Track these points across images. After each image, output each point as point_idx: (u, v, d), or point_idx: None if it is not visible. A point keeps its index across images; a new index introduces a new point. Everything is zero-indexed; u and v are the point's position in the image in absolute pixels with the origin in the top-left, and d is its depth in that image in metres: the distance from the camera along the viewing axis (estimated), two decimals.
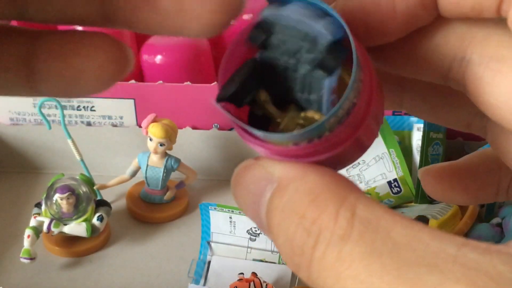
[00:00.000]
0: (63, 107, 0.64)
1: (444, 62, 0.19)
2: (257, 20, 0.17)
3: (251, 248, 0.58)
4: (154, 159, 0.63)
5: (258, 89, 0.17)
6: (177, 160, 0.64)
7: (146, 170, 0.64)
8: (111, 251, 0.61)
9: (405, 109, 0.23)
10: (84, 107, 0.67)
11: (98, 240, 0.60)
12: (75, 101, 0.67)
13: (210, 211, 0.57)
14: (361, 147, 0.18)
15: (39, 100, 0.63)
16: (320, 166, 0.16)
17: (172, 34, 0.15)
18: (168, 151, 0.63)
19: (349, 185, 0.15)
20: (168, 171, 0.64)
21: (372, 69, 0.17)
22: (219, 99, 0.16)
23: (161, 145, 0.62)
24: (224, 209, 0.56)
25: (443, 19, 0.19)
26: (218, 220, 0.57)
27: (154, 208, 0.65)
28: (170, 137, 0.62)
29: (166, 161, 0.63)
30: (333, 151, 0.16)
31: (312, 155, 0.16)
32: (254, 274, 0.53)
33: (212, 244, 0.58)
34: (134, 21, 0.15)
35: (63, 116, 0.62)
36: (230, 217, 0.57)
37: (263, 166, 0.15)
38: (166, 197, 0.65)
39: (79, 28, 0.18)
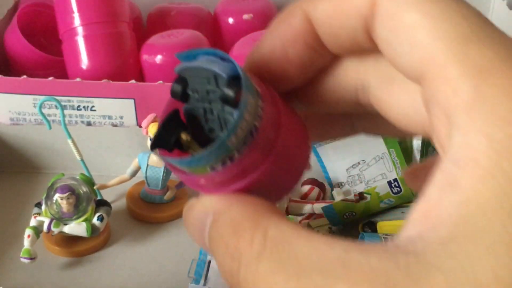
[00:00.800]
0: (63, 107, 0.64)
1: (351, 93, 0.21)
2: (174, 77, 0.20)
3: None
4: (155, 159, 0.63)
5: (179, 132, 0.19)
6: None
7: (146, 170, 0.64)
8: (111, 251, 0.61)
9: (359, 131, 0.25)
10: (84, 107, 0.67)
11: (98, 240, 0.60)
12: (75, 101, 0.67)
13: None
14: (290, 174, 0.20)
15: (39, 100, 0.63)
16: (245, 195, 0.18)
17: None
18: None
19: (266, 210, 0.17)
20: (168, 171, 0.64)
21: (279, 102, 0.19)
22: (152, 147, 0.19)
23: None
24: None
25: (338, 57, 0.21)
26: None
27: (154, 208, 0.65)
28: None
29: None
30: (253, 176, 0.18)
31: (234, 180, 0.18)
32: None
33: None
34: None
35: (63, 116, 0.62)
36: None
37: (202, 203, 0.18)
38: (166, 197, 0.65)
39: None
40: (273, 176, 0.19)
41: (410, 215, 0.15)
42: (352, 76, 0.21)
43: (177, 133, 0.19)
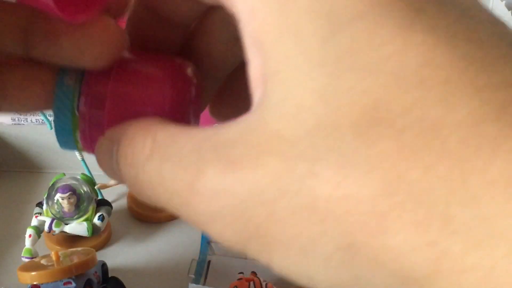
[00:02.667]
0: None
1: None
2: None
3: None
4: None
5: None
6: None
7: None
8: (112, 250, 0.61)
9: None
10: None
11: (99, 240, 0.61)
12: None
13: None
14: (143, 94, 0.21)
15: None
16: (139, 120, 0.20)
17: (72, 63, 0.20)
18: None
19: (158, 121, 0.19)
20: None
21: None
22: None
23: None
24: None
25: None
26: None
27: (155, 208, 0.65)
28: None
29: None
30: (108, 103, 0.20)
31: (100, 108, 0.20)
32: (253, 273, 0.53)
33: (213, 244, 0.58)
34: (46, 55, 0.20)
35: None
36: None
37: (106, 137, 0.21)
38: None
39: None
40: (126, 100, 0.20)
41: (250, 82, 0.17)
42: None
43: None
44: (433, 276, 0.13)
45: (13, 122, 0.69)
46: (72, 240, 0.60)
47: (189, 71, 0.21)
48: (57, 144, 0.23)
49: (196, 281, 0.56)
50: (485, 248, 0.13)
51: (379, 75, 0.14)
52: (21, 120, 0.69)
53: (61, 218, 0.58)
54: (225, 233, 0.16)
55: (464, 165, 0.13)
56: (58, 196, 0.58)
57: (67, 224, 0.58)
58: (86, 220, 0.59)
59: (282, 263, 0.15)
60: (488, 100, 0.13)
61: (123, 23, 0.22)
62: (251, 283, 0.51)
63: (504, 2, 0.80)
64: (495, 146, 0.13)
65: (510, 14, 0.77)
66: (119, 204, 0.66)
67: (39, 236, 0.58)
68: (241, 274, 0.53)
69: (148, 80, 0.21)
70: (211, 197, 0.16)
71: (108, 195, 0.65)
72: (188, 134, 0.17)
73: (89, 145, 0.22)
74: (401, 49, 0.14)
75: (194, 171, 0.16)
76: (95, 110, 0.21)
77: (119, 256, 0.61)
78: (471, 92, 0.14)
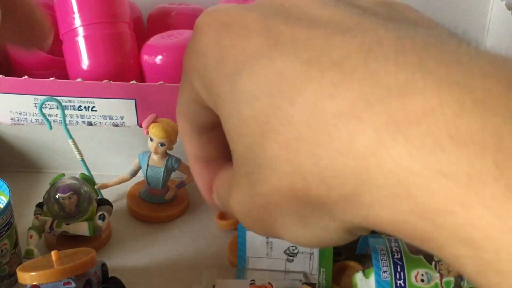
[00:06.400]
0: (64, 107, 0.64)
1: None
2: None
3: (288, 271, 0.55)
4: (155, 159, 0.64)
5: None
6: (178, 160, 0.64)
7: (147, 170, 0.64)
8: (112, 250, 0.61)
9: None
10: (85, 107, 0.67)
11: (99, 239, 0.61)
12: (76, 101, 0.67)
13: (247, 232, 0.55)
14: None
15: (40, 100, 0.64)
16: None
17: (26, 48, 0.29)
18: (168, 151, 0.64)
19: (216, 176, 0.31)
20: (168, 171, 0.64)
21: None
22: None
23: (161, 145, 0.62)
24: None
25: None
26: (255, 241, 0.56)
27: (154, 208, 0.65)
28: (170, 137, 0.62)
29: (167, 161, 0.64)
30: None
31: None
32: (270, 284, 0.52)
33: (248, 272, 0.56)
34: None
35: (64, 116, 0.62)
36: (267, 237, 0.55)
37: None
38: (167, 197, 0.65)
39: None
40: None
41: None
42: None
43: None
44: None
45: (13, 122, 0.69)
46: (72, 240, 0.60)
47: None
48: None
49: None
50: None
51: None
52: (21, 120, 0.69)
53: (61, 218, 0.58)
54: (250, 227, 0.26)
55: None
56: (58, 196, 0.58)
57: (68, 224, 0.58)
58: (87, 219, 0.59)
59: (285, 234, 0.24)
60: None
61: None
62: None
63: (504, 2, 0.80)
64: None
65: (510, 14, 0.77)
66: (119, 204, 0.66)
67: (40, 237, 0.58)
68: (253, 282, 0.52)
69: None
70: (236, 208, 0.25)
71: (108, 195, 0.65)
72: (222, 177, 0.28)
73: None
74: None
75: (228, 195, 0.26)
76: None
77: (119, 256, 0.61)
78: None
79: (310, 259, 0.55)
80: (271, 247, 0.56)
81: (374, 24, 0.21)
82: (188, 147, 0.29)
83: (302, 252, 0.55)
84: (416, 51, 0.19)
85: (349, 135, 0.19)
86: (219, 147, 0.29)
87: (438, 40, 0.20)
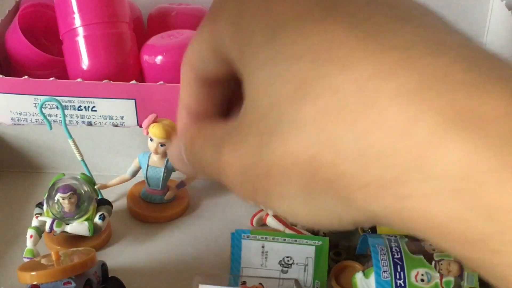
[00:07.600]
0: (64, 107, 0.64)
1: None
2: None
3: (283, 278, 0.55)
4: (155, 159, 0.64)
5: None
6: None
7: (147, 170, 0.64)
8: (112, 250, 0.61)
9: None
10: (85, 107, 0.67)
11: (99, 239, 0.61)
12: (76, 101, 0.67)
13: (242, 241, 0.55)
14: None
15: (40, 100, 0.64)
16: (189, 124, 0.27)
17: None
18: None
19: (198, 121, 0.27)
20: (168, 171, 0.64)
21: None
22: None
23: (161, 145, 0.62)
24: (258, 236, 0.55)
25: None
26: (250, 250, 0.55)
27: (154, 208, 0.66)
28: (170, 137, 0.62)
29: (167, 161, 0.64)
30: None
31: None
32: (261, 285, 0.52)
33: (242, 279, 0.55)
34: None
35: (64, 116, 0.62)
36: (263, 246, 0.55)
37: (172, 143, 0.29)
38: (167, 197, 0.65)
39: None
40: None
41: None
42: None
43: None
44: None
45: (13, 122, 0.69)
46: (72, 240, 0.60)
47: None
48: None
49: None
50: None
51: None
52: (21, 120, 0.69)
53: (61, 218, 0.58)
54: (240, 191, 0.23)
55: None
56: (58, 196, 0.58)
57: (68, 224, 0.59)
58: (87, 219, 0.59)
59: (277, 207, 0.22)
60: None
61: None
62: None
63: (504, 2, 0.80)
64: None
65: (510, 14, 0.77)
66: (119, 204, 0.67)
67: (40, 237, 0.58)
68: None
69: None
70: (232, 164, 0.22)
71: (108, 195, 0.65)
72: (213, 127, 0.24)
73: None
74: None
75: (217, 151, 0.23)
76: None
77: (119, 256, 0.61)
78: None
79: (304, 271, 0.55)
80: (266, 258, 0.55)
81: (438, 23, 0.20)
82: (185, 97, 0.27)
83: (297, 263, 0.55)
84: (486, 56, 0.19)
85: (407, 119, 0.17)
86: (216, 104, 0.27)
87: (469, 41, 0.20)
